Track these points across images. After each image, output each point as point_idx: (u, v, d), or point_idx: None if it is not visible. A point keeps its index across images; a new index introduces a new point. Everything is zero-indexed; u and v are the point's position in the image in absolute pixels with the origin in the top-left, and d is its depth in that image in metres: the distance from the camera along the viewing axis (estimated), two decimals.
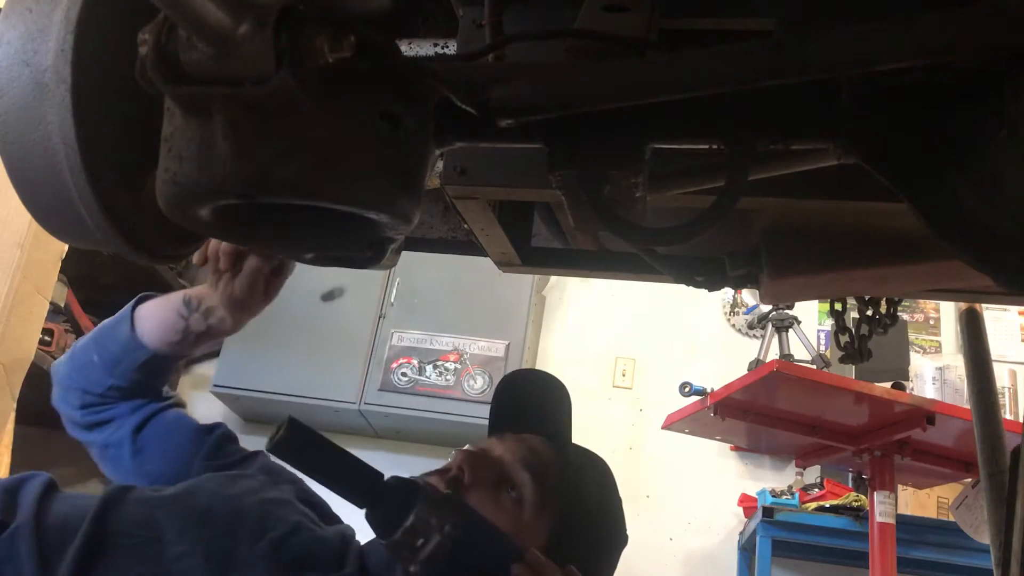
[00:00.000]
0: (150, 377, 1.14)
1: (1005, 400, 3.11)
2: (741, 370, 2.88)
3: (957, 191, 0.60)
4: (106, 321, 1.15)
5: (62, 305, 2.90)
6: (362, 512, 0.82)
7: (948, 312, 4.03)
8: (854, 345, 1.20)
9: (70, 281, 2.90)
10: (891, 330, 1.21)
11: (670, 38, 0.76)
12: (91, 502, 0.97)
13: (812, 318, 3.95)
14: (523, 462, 1.03)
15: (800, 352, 3.32)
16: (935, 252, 0.84)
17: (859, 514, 3.07)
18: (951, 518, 2.44)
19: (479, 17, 0.80)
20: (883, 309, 1.19)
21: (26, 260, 1.94)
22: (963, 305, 1.48)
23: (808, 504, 3.22)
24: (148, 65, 0.54)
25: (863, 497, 3.05)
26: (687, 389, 2.85)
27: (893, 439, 2.54)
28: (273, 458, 0.98)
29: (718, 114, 0.65)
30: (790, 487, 3.35)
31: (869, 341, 1.20)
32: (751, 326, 3.95)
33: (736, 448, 3.83)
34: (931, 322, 4.13)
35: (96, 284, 3.29)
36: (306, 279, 3.76)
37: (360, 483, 0.80)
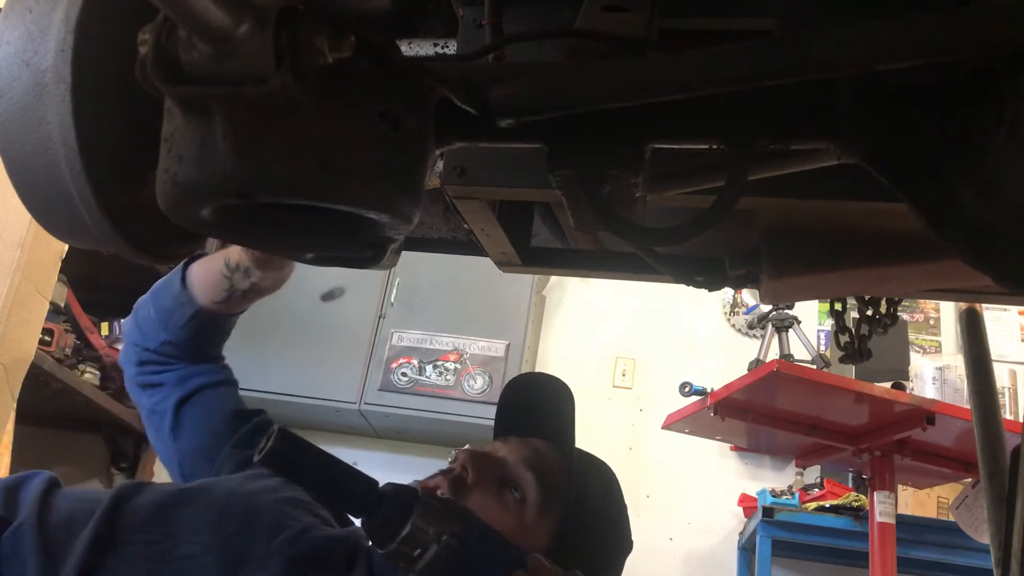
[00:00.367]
0: (200, 335, 1.20)
1: (1005, 400, 3.11)
2: (741, 370, 2.88)
3: (957, 191, 0.60)
4: (163, 278, 1.22)
5: (62, 305, 2.89)
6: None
7: (948, 312, 4.03)
8: (854, 345, 1.20)
9: (70, 281, 2.90)
10: (891, 330, 1.21)
11: (670, 38, 0.76)
12: (99, 498, 0.97)
13: (812, 318, 3.96)
14: (527, 463, 1.03)
15: (800, 352, 3.32)
16: (935, 252, 0.84)
17: (859, 514, 3.07)
18: (951, 518, 2.44)
19: (479, 17, 0.80)
20: (883, 309, 1.18)
21: (26, 260, 1.94)
22: (963, 305, 1.48)
23: (808, 504, 3.22)
24: (148, 65, 0.54)
25: (863, 497, 3.05)
26: (687, 389, 2.85)
27: (893, 439, 2.54)
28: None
29: (718, 114, 0.65)
30: (790, 487, 3.36)
31: (869, 341, 1.20)
32: (751, 326, 3.95)
33: (736, 448, 3.83)
34: (931, 322, 4.13)
35: (96, 284, 3.29)
36: (306, 279, 3.77)
37: (355, 492, 0.79)
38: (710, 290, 0.98)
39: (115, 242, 0.71)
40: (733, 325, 4.16)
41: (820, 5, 0.73)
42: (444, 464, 1.06)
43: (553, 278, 4.15)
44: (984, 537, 1.81)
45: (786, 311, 3.30)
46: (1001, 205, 0.59)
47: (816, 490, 3.30)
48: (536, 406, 1.12)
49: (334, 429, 3.84)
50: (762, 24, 0.75)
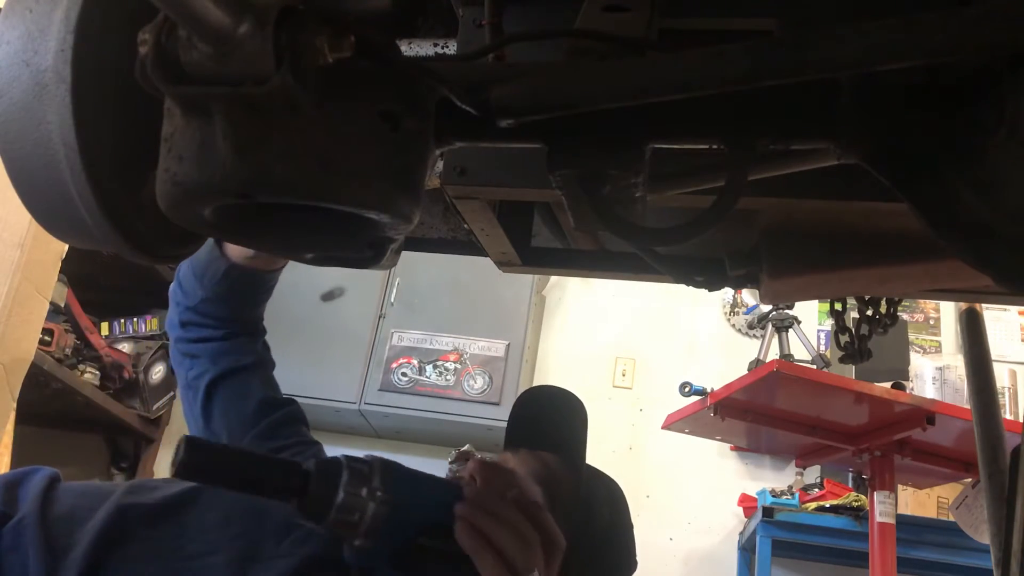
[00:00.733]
0: (235, 293, 1.21)
1: (1005, 400, 3.11)
2: (741, 370, 2.88)
3: (957, 191, 0.60)
4: None
5: (62, 305, 2.90)
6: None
7: (948, 312, 4.02)
8: (854, 345, 1.20)
9: (70, 281, 2.90)
10: (891, 330, 1.21)
11: (670, 38, 0.76)
12: (101, 492, 0.97)
13: (812, 318, 3.95)
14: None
15: (800, 352, 3.32)
16: (935, 252, 0.84)
17: (859, 514, 3.06)
18: (951, 518, 2.44)
19: (479, 17, 0.80)
20: (883, 309, 1.19)
21: (26, 260, 1.94)
22: (963, 305, 1.48)
23: (808, 504, 3.22)
24: (148, 65, 0.54)
25: (863, 497, 3.05)
26: (687, 389, 2.85)
27: (893, 439, 2.54)
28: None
29: (718, 114, 0.65)
30: (790, 487, 3.35)
31: (869, 341, 1.20)
32: (751, 326, 3.95)
33: (736, 448, 3.83)
34: (931, 322, 4.12)
35: (96, 284, 3.29)
36: (306, 279, 3.77)
37: (279, 478, 0.78)
38: (710, 290, 0.98)
39: (115, 242, 0.71)
40: (733, 325, 4.16)
41: (820, 5, 0.73)
42: (444, 464, 1.06)
43: (553, 278, 4.15)
44: (984, 537, 1.81)
45: (786, 311, 3.30)
46: (1001, 205, 0.59)
47: (816, 490, 3.30)
48: (548, 420, 1.12)
49: (334, 429, 3.83)
50: (762, 24, 0.75)
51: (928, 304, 4.14)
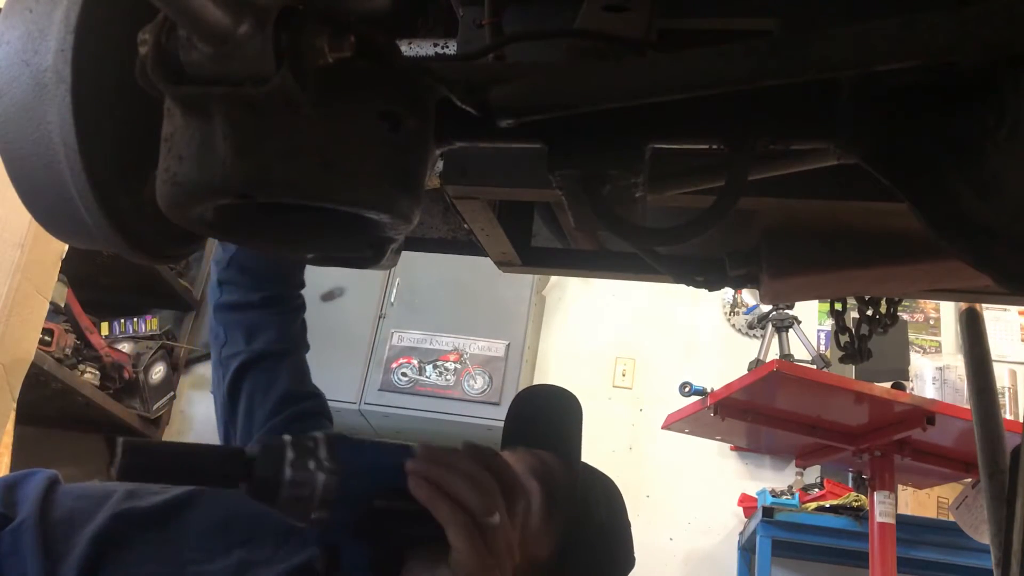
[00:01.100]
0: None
1: (1005, 400, 3.11)
2: (741, 370, 2.88)
3: (957, 191, 0.60)
4: None
5: (62, 305, 2.90)
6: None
7: (948, 312, 4.02)
8: (854, 345, 1.20)
9: (70, 281, 2.90)
10: (891, 330, 1.21)
11: (670, 38, 0.76)
12: (101, 494, 0.96)
13: (812, 318, 3.95)
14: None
15: (800, 352, 3.32)
16: (935, 252, 0.84)
17: (859, 514, 3.06)
18: (951, 518, 2.44)
19: (479, 17, 0.80)
20: (883, 309, 1.19)
21: (26, 260, 1.94)
22: (963, 305, 1.48)
23: (808, 504, 3.22)
24: (148, 65, 0.54)
25: (863, 497, 3.05)
26: (687, 389, 2.84)
27: (893, 439, 2.54)
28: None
29: (718, 114, 0.65)
30: (790, 487, 3.35)
31: (869, 341, 1.20)
32: (751, 326, 3.95)
33: (736, 448, 3.83)
34: (931, 322, 4.12)
35: (96, 284, 3.29)
36: (306, 279, 3.76)
37: (222, 466, 0.76)
38: (710, 290, 0.98)
39: (115, 242, 0.71)
40: (733, 325, 4.16)
41: (820, 5, 0.73)
42: None
43: (553, 278, 4.15)
44: (984, 537, 1.82)
45: (786, 311, 3.30)
46: (1001, 205, 0.59)
47: (816, 490, 3.30)
48: (544, 419, 1.12)
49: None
50: (762, 24, 0.75)
51: (928, 304, 4.14)
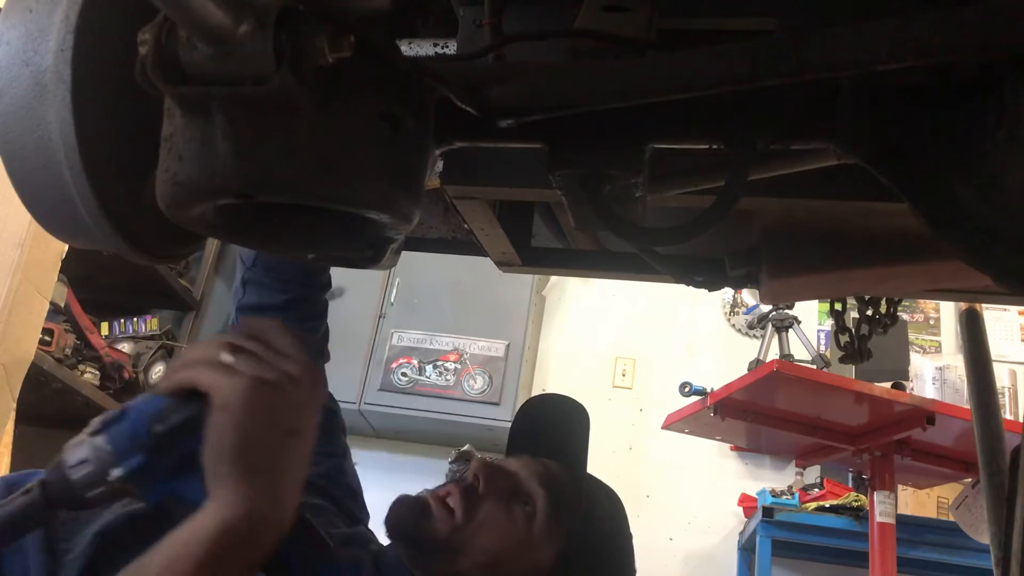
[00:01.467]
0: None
1: (1005, 400, 3.11)
2: (741, 370, 2.88)
3: (957, 191, 0.60)
4: None
5: (62, 305, 2.89)
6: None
7: (948, 312, 4.02)
8: (854, 345, 1.20)
9: (70, 281, 2.89)
10: (891, 330, 1.21)
11: (670, 38, 0.76)
12: None
13: (812, 318, 3.95)
14: (538, 478, 1.04)
15: (800, 352, 3.32)
16: (935, 252, 0.84)
17: (859, 514, 3.06)
18: (951, 518, 2.44)
19: (479, 17, 0.80)
20: (883, 309, 1.19)
21: (26, 260, 1.94)
22: (963, 305, 1.48)
23: (808, 504, 3.22)
24: (148, 65, 0.54)
25: (863, 497, 3.05)
26: (687, 389, 2.84)
27: (893, 439, 2.54)
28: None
29: (718, 114, 0.65)
30: (790, 487, 3.35)
31: (869, 341, 1.20)
32: (751, 326, 3.95)
33: (736, 448, 3.83)
34: (931, 322, 4.12)
35: (96, 284, 3.29)
36: None
37: (25, 517, 0.70)
38: (710, 290, 0.98)
39: (115, 242, 0.71)
40: (733, 325, 4.16)
41: (820, 5, 0.73)
42: (444, 464, 1.06)
43: (553, 278, 4.15)
44: (984, 537, 1.81)
45: (786, 311, 3.30)
46: (1001, 205, 0.59)
47: (816, 490, 3.30)
48: (551, 428, 1.12)
49: None
50: (762, 24, 0.75)
51: (928, 304, 4.14)
